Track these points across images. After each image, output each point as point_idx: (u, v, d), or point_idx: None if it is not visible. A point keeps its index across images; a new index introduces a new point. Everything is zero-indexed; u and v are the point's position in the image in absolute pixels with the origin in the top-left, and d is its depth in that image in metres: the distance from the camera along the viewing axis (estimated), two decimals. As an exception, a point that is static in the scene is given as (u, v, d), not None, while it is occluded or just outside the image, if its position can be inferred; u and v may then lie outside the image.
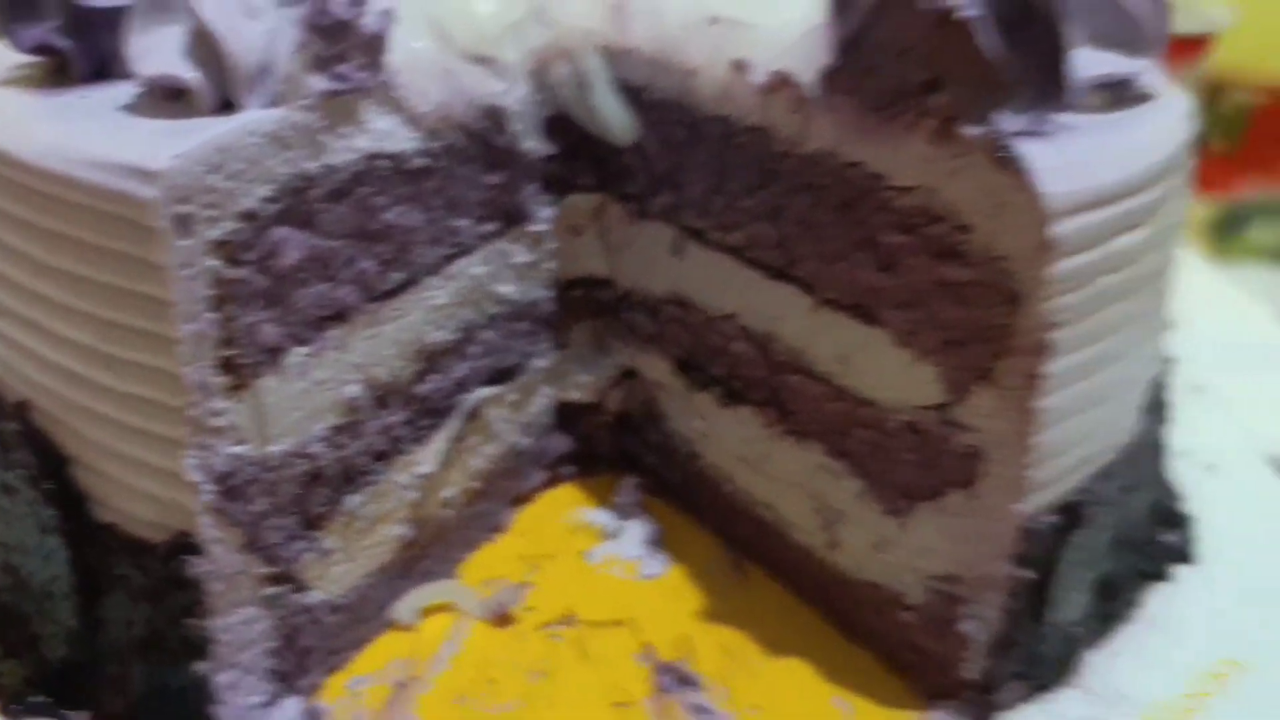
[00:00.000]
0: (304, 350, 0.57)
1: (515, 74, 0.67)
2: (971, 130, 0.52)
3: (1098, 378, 0.58)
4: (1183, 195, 0.62)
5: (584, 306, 0.80)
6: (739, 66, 0.63)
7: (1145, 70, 0.60)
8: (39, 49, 0.58)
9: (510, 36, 0.67)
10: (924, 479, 0.61)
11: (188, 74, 0.51)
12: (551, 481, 0.82)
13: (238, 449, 0.55)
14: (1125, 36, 0.60)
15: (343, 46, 0.54)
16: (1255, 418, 0.86)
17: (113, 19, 0.57)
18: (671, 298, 0.75)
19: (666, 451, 0.80)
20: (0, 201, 0.53)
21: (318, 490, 0.61)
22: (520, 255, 0.73)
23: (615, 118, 0.71)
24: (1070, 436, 0.57)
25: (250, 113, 0.51)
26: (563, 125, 0.72)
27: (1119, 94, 0.59)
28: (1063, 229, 0.51)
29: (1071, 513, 0.60)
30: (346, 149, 0.56)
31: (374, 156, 0.58)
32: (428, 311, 0.65)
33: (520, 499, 0.80)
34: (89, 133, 0.51)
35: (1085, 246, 0.53)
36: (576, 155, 0.74)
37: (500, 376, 0.73)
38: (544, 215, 0.73)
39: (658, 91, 0.70)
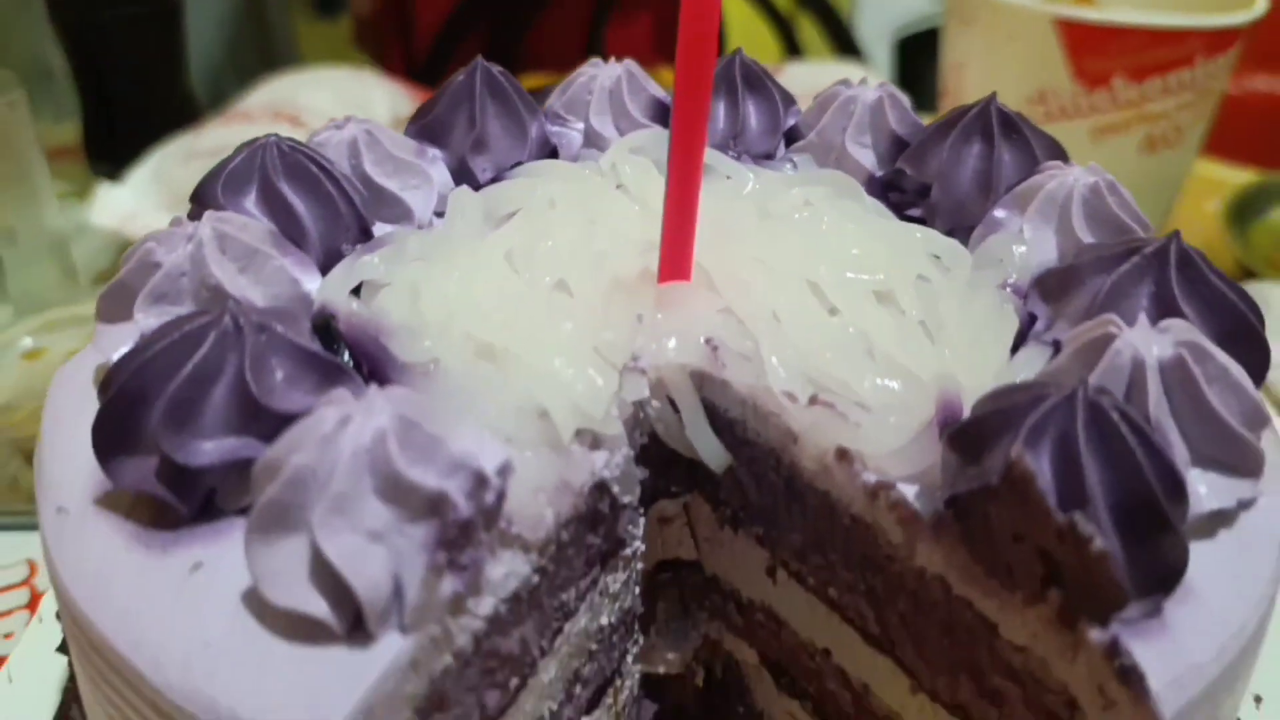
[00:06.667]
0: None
1: (618, 440, 0.66)
2: (1091, 630, 0.53)
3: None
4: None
5: (671, 585, 0.81)
6: (842, 455, 0.63)
7: (1253, 490, 0.60)
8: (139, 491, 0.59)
9: (613, 405, 0.65)
10: None
11: (318, 607, 0.52)
12: (640, 744, 0.82)
13: None
14: (1234, 460, 0.60)
15: (468, 538, 0.52)
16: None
17: (214, 474, 0.58)
18: (763, 608, 0.76)
19: (755, 725, 0.81)
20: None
21: None
22: (615, 582, 0.73)
23: (709, 450, 0.71)
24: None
25: (386, 645, 0.51)
26: (656, 447, 0.72)
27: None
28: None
29: None
30: (470, 622, 0.56)
31: (495, 610, 0.57)
32: (539, 697, 0.66)
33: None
34: (220, 667, 0.51)
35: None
36: (669, 469, 0.74)
37: (600, 694, 0.75)
38: (637, 534, 0.73)
39: (753, 434, 0.68)
